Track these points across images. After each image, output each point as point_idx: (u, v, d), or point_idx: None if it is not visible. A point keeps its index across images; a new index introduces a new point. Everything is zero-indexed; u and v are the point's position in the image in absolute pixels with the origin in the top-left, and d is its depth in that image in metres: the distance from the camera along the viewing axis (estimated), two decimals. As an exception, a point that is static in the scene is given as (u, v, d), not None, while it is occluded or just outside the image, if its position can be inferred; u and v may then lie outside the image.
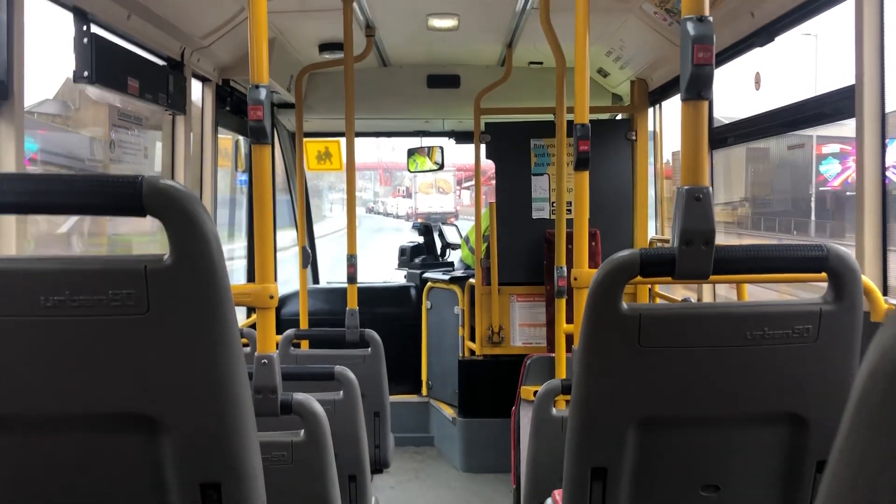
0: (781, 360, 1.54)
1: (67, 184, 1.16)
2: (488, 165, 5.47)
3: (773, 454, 1.63)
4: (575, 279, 2.65)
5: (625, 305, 1.49)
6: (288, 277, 6.25)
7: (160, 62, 3.71)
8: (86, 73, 2.94)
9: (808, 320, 1.52)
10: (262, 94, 2.00)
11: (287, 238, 6.29)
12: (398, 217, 46.03)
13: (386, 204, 51.44)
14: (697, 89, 1.50)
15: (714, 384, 1.56)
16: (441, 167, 6.75)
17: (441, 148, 6.72)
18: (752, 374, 1.55)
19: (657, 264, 1.49)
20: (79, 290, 1.16)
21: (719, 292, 4.53)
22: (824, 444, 1.59)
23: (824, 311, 1.52)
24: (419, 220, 8.12)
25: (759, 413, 1.60)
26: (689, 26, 1.48)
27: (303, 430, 2.10)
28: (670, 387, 1.56)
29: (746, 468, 1.65)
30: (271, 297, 2.07)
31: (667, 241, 5.01)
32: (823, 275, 1.53)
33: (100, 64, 2.96)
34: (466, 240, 6.11)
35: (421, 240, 7.18)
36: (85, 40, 2.92)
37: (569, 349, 3.39)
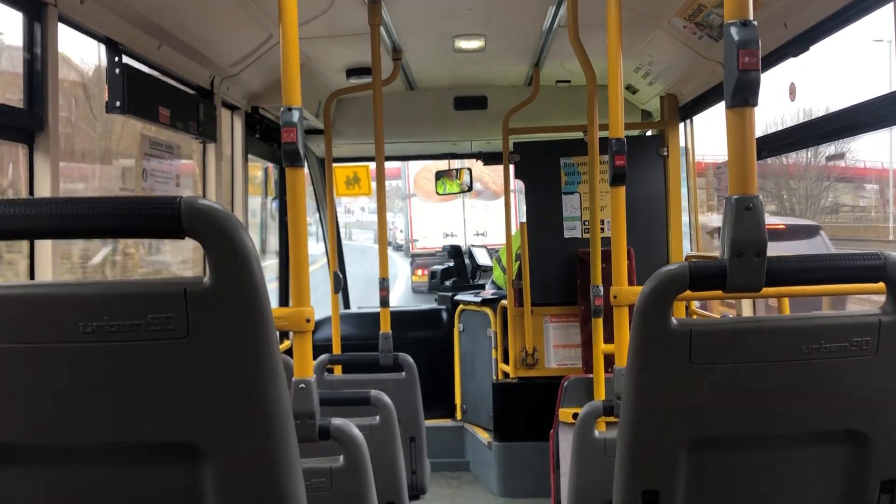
0: (839, 374, 1.47)
1: (104, 206, 1.14)
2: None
3: (834, 474, 1.56)
4: (615, 297, 2.60)
5: (674, 321, 1.44)
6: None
7: (190, 91, 3.74)
8: (118, 104, 2.96)
9: (867, 332, 1.46)
10: (295, 116, 1.99)
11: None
12: (406, 250, 24.30)
13: (395, 226, 28.71)
14: (744, 95, 1.46)
15: (769, 401, 1.49)
16: (470, 189, 6.73)
17: (469, 169, 6.71)
18: (808, 389, 1.49)
19: (708, 277, 1.44)
20: (118, 316, 1.14)
21: (759, 308, 4.44)
22: (889, 463, 1.52)
23: (884, 322, 1.46)
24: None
25: (817, 430, 1.53)
26: (734, 31, 1.44)
27: (342, 457, 2.06)
28: (723, 405, 1.50)
29: (805, 489, 1.58)
30: (308, 321, 2.04)
31: (703, 256, 4.93)
32: (881, 285, 1.47)
33: (131, 94, 2.99)
34: (498, 259, 6.07)
35: (451, 262, 7.15)
36: (117, 71, 2.95)
37: (607, 369, 3.33)
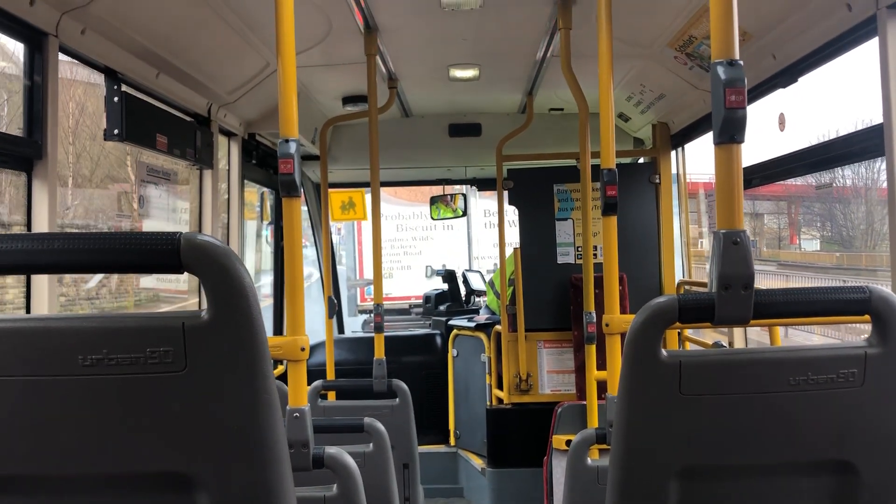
0: (827, 405, 1.50)
1: (103, 241, 1.16)
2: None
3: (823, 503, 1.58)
4: (607, 325, 2.62)
5: (664, 352, 1.47)
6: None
7: (187, 118, 3.77)
8: (116, 131, 2.99)
9: (853, 364, 1.48)
10: (292, 147, 2.02)
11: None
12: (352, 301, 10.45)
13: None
14: (731, 133, 1.49)
15: (757, 432, 1.51)
16: (464, 214, 6.76)
17: (463, 195, 6.75)
18: (796, 420, 1.51)
19: (696, 310, 1.47)
20: (117, 349, 1.15)
21: (750, 335, 4.46)
22: (877, 493, 1.54)
23: (869, 354, 1.48)
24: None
25: (806, 461, 1.55)
26: (720, 70, 1.48)
27: (335, 485, 2.07)
28: (712, 435, 1.52)
29: None
30: (303, 350, 2.06)
31: (695, 283, 4.96)
32: (867, 317, 1.50)
33: (130, 122, 3.02)
34: (491, 284, 6.08)
35: (445, 287, 7.16)
36: (116, 99, 2.98)
37: (600, 396, 3.34)
